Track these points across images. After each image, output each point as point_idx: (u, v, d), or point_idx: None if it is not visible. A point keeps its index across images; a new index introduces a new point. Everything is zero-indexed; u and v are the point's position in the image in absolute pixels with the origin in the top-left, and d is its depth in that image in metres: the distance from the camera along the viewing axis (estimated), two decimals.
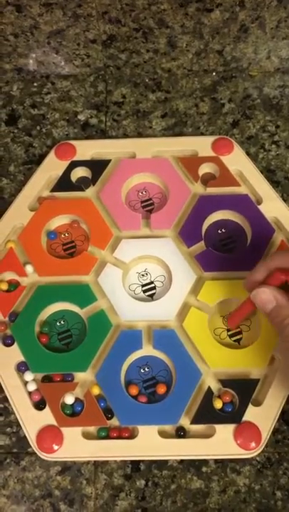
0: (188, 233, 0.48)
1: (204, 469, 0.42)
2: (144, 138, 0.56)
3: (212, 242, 0.49)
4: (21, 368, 0.43)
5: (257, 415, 0.41)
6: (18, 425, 0.42)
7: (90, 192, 0.52)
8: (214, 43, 0.56)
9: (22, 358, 0.44)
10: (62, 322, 0.46)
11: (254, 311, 0.42)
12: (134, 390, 0.42)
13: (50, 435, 0.41)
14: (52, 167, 0.52)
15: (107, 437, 0.41)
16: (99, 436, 0.41)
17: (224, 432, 0.41)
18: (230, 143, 0.53)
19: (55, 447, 0.40)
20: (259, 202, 0.50)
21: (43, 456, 0.40)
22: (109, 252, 0.48)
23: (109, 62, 0.59)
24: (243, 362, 0.43)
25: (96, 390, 0.42)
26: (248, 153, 0.54)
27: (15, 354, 0.44)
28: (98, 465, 0.42)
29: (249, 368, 0.43)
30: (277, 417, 0.41)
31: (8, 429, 0.43)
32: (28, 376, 0.43)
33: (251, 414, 0.41)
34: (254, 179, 0.51)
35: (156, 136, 0.56)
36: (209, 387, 0.42)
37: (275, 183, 0.53)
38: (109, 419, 0.42)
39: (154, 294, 0.47)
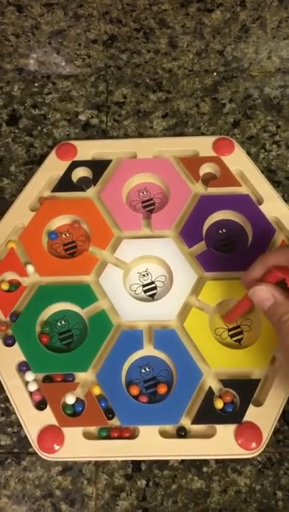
0: (189, 233, 0.48)
1: (205, 469, 0.42)
2: (145, 138, 0.56)
3: (213, 242, 0.49)
4: (22, 368, 0.43)
5: (258, 415, 0.41)
6: (19, 425, 0.42)
7: (90, 192, 0.52)
8: (215, 43, 0.56)
9: (23, 358, 0.44)
10: (63, 322, 0.46)
11: (251, 308, 0.43)
12: (135, 390, 0.42)
13: (51, 435, 0.41)
14: (53, 167, 0.52)
15: (108, 437, 0.41)
16: (100, 437, 0.41)
17: (225, 432, 0.41)
18: (231, 143, 0.53)
19: (56, 447, 0.40)
20: (260, 202, 0.50)
21: (44, 456, 0.40)
22: (110, 252, 0.48)
23: (110, 63, 0.59)
24: (244, 362, 0.43)
25: (97, 390, 0.42)
26: (248, 154, 0.54)
27: (16, 354, 0.44)
28: (99, 465, 0.42)
29: (250, 368, 0.43)
30: (278, 417, 0.41)
31: (9, 429, 0.43)
32: (29, 376, 0.43)
33: (252, 414, 0.41)
34: (255, 179, 0.51)
35: (157, 137, 0.56)
36: (210, 388, 0.42)
37: (275, 183, 0.53)
38: (110, 419, 0.42)
39: (155, 294, 0.47)
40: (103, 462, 0.42)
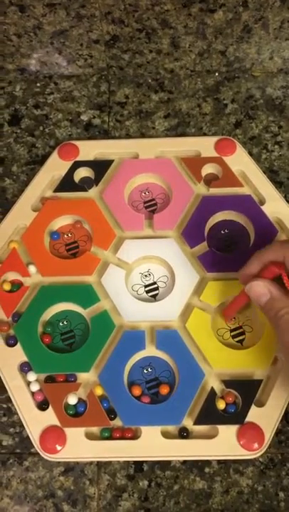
0: (191, 234, 0.48)
1: (207, 470, 0.42)
2: (147, 138, 0.56)
3: (215, 243, 0.49)
4: (24, 369, 0.43)
5: (260, 416, 0.41)
6: (21, 425, 0.42)
7: (92, 192, 0.52)
8: (217, 43, 0.56)
9: (25, 359, 0.44)
10: (65, 322, 0.46)
11: (248, 303, 0.43)
12: (137, 391, 0.42)
13: (53, 435, 0.41)
14: (55, 167, 0.52)
15: (110, 438, 0.41)
16: (102, 437, 0.41)
17: (227, 432, 0.41)
18: (233, 143, 0.53)
19: (58, 448, 0.40)
20: (262, 202, 0.50)
21: (46, 456, 0.40)
22: (112, 252, 0.48)
23: (112, 63, 0.59)
24: (246, 363, 0.43)
25: (99, 391, 0.42)
26: (250, 154, 0.54)
27: (18, 354, 0.44)
28: (101, 465, 0.42)
29: (252, 368, 0.43)
30: (280, 418, 0.41)
31: (11, 430, 0.43)
32: (31, 376, 0.43)
33: (254, 414, 0.41)
34: (257, 180, 0.51)
35: (159, 137, 0.56)
36: (212, 388, 0.42)
37: (277, 184, 0.53)
38: (112, 419, 0.42)
39: (157, 294, 0.47)
40: (105, 463, 0.42)
